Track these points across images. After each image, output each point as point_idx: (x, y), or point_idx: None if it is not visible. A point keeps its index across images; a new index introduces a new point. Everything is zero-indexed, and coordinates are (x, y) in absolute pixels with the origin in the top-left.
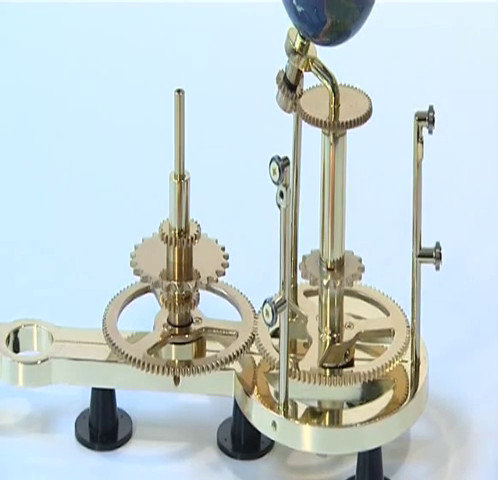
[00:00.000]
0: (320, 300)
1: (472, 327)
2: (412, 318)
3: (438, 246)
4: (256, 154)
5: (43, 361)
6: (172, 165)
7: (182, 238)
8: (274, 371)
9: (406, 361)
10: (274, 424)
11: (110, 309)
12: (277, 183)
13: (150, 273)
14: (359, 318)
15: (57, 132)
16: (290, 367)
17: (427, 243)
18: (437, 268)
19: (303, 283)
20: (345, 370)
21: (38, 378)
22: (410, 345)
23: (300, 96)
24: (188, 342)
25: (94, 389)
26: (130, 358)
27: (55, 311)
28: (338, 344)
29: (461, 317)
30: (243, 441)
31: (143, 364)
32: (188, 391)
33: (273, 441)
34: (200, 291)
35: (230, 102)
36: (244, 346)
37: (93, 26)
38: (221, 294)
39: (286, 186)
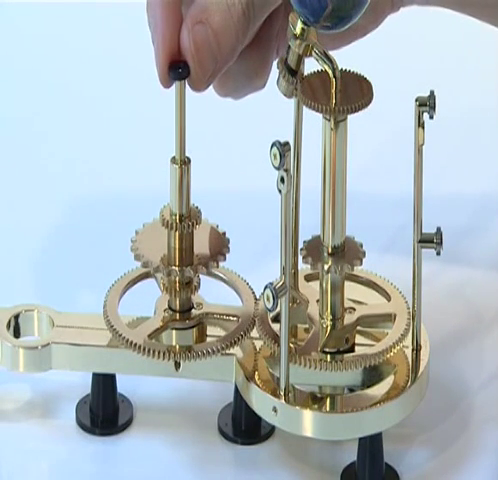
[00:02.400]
0: (321, 285)
1: (473, 312)
2: (413, 303)
3: (439, 231)
4: (257, 139)
5: (44, 346)
6: (173, 150)
7: (183, 223)
8: (275, 356)
9: (407, 346)
10: (275, 409)
11: (111, 294)
12: (278, 168)
13: (151, 258)
14: (360, 303)
15: (57, 118)
16: (291, 352)
17: (428, 229)
18: (438, 253)
19: (304, 268)
20: (346, 355)
21: (39, 363)
22: (411, 330)
23: (301, 81)
24: (189, 327)
25: (95, 374)
26: (131, 343)
27: (56, 296)
28: (339, 329)
29: (462, 302)
30: (244, 426)
31: (144, 349)
32: (189, 376)
33: (274, 426)
34: (201, 276)
35: None
36: (245, 331)
37: (93, 13)
38: (222, 279)
39: (287, 171)
